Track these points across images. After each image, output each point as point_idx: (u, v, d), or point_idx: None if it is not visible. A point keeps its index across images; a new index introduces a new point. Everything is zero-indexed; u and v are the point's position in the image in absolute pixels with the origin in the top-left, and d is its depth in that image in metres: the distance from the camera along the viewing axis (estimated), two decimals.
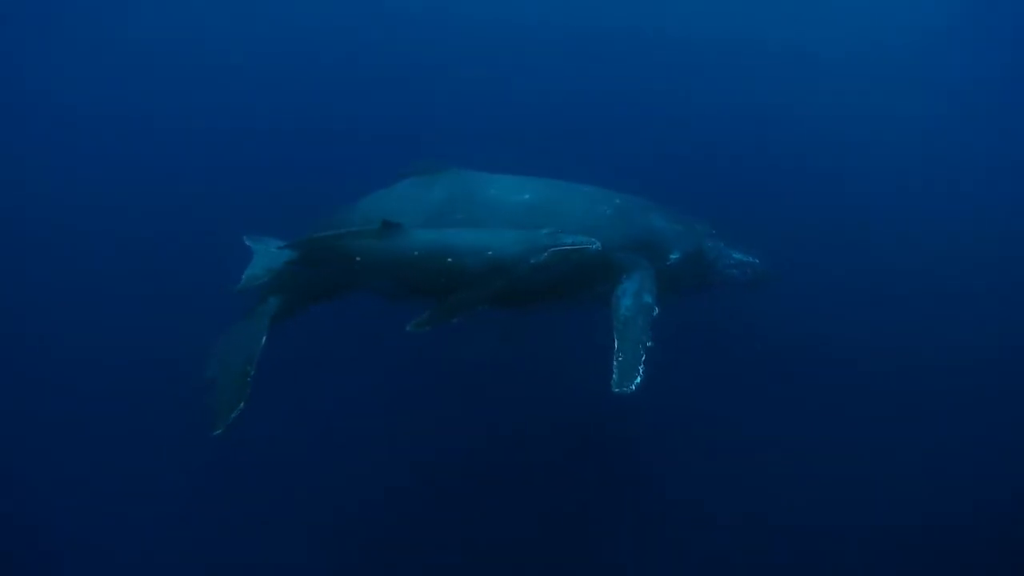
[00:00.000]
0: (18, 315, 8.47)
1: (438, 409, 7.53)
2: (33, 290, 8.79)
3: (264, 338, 5.99)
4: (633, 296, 5.96)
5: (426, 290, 5.93)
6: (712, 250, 6.75)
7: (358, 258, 5.93)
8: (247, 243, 6.31)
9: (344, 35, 12.74)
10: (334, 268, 6.18)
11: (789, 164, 10.55)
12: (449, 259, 5.74)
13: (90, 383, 7.62)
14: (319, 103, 11.63)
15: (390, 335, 7.27)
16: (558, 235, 5.82)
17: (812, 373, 7.96)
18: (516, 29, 12.33)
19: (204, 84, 11.89)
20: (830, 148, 10.92)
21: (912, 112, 11.34)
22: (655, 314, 5.81)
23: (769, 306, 8.01)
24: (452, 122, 10.54)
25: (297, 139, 10.73)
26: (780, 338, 8.19)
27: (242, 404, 5.44)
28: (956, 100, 11.80)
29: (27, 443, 7.21)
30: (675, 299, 6.58)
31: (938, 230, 9.90)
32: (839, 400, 7.74)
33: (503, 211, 6.36)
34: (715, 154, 10.40)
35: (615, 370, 5.45)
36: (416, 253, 5.80)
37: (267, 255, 6.14)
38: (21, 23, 12.64)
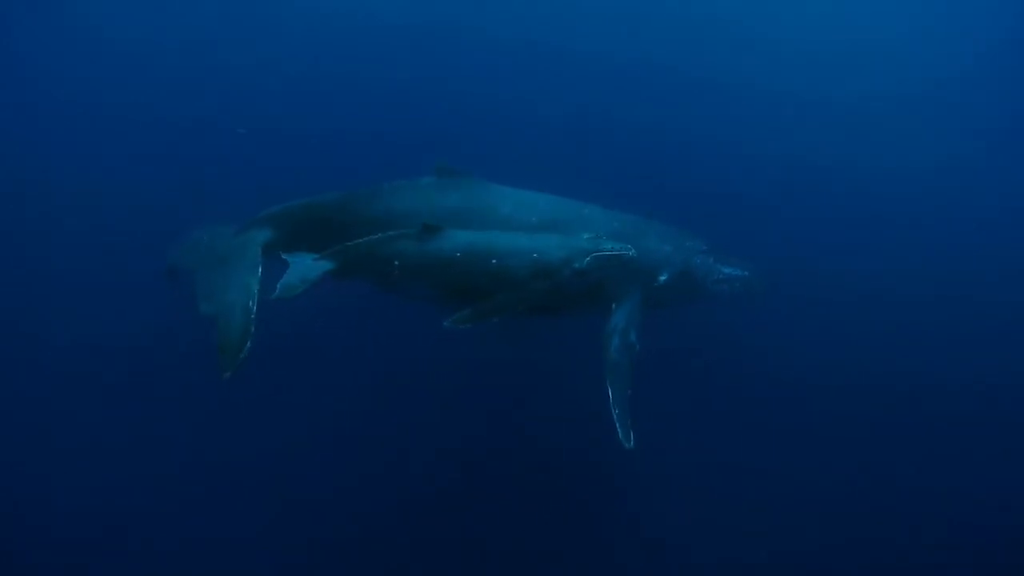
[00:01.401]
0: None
1: (431, 408, 7.56)
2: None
3: (260, 269, 5.82)
4: (620, 335, 6.21)
5: (466, 292, 5.87)
6: (701, 267, 6.98)
7: (396, 262, 5.87)
8: (284, 257, 6.02)
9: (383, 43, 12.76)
10: (372, 273, 6.06)
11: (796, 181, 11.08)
12: (493, 261, 5.76)
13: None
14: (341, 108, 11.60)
15: (386, 333, 7.59)
16: (598, 240, 5.91)
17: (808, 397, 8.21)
18: (550, 54, 12.70)
19: (231, 86, 11.69)
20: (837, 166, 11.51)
21: (926, 149, 11.99)
22: (637, 350, 6.13)
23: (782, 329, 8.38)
24: (474, 130, 10.65)
25: (316, 142, 10.63)
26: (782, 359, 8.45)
27: (249, 344, 5.27)
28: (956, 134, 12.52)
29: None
30: (664, 312, 6.89)
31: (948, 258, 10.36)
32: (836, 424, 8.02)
33: (512, 229, 6.43)
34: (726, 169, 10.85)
35: (617, 424, 5.71)
36: (459, 255, 5.79)
37: (302, 265, 5.90)
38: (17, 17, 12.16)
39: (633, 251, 5.93)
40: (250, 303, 5.53)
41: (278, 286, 5.73)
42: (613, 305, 6.38)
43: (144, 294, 8.09)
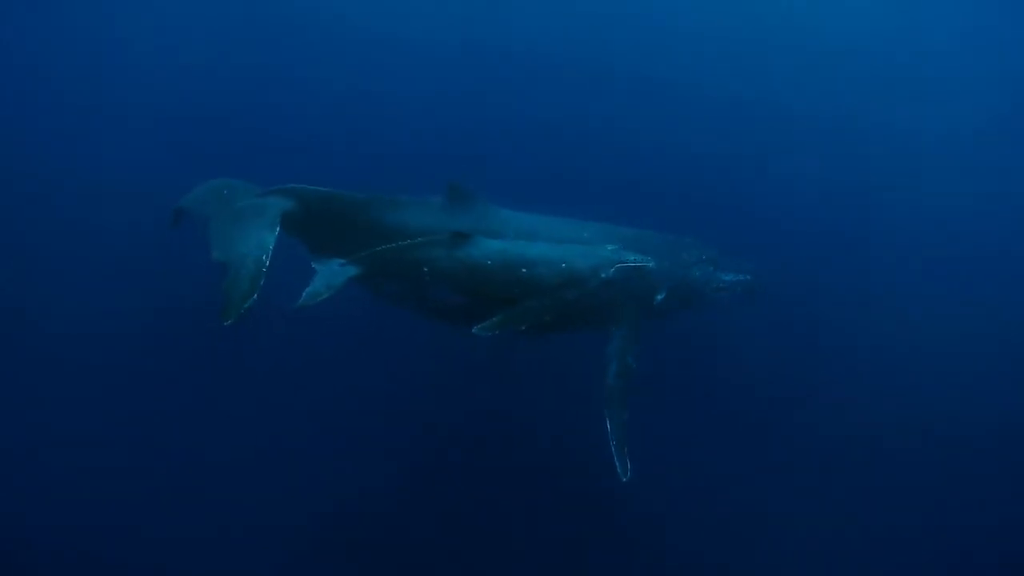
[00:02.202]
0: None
1: (426, 411, 7.62)
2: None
3: (278, 229, 5.87)
4: (618, 360, 6.26)
5: (494, 300, 5.89)
6: (699, 279, 7.02)
7: (426, 268, 5.91)
8: (313, 266, 5.95)
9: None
10: (400, 280, 6.10)
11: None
12: (523, 270, 5.86)
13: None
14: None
15: (387, 342, 7.66)
16: (621, 252, 6.09)
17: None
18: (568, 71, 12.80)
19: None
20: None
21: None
22: (635, 369, 6.21)
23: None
24: (481, 138, 10.68)
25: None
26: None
27: (255, 295, 5.31)
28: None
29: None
30: (662, 322, 6.99)
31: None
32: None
33: None
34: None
35: (614, 456, 5.77)
36: (489, 263, 5.87)
37: (328, 271, 5.85)
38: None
39: (652, 263, 6.13)
40: (264, 257, 5.57)
41: (304, 294, 5.64)
42: (612, 329, 6.43)
43: (144, 286, 8.17)
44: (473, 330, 5.62)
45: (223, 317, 5.16)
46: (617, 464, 5.73)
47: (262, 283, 5.40)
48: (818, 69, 13.11)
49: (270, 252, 5.64)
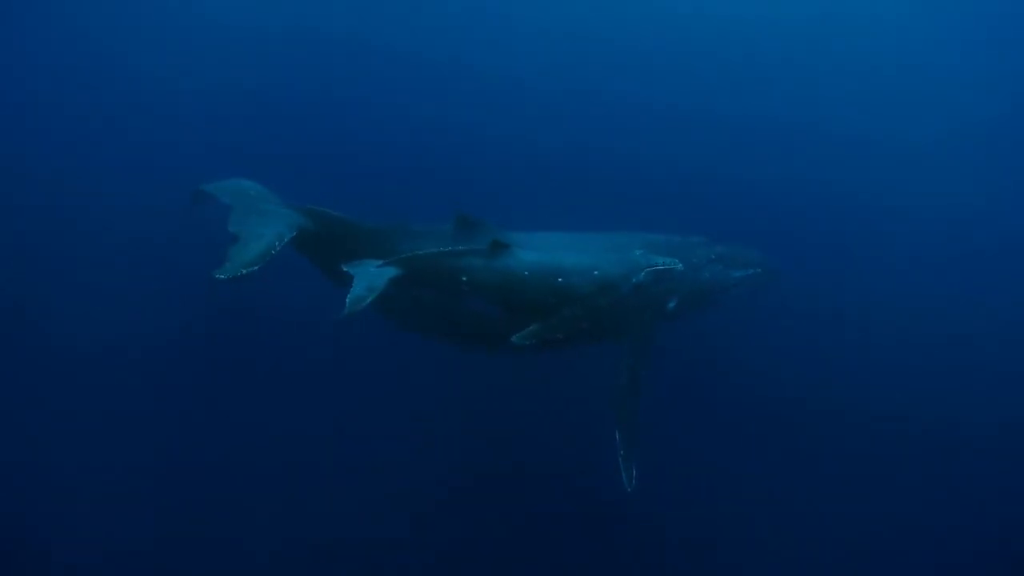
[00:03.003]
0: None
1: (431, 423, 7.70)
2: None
3: (295, 232, 6.05)
4: (628, 371, 6.33)
5: (530, 310, 5.99)
6: (710, 280, 7.06)
7: (464, 277, 6.00)
8: (345, 269, 5.91)
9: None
10: (438, 287, 6.16)
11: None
12: (559, 279, 6.01)
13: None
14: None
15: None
16: (649, 256, 6.30)
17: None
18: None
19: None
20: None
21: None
22: (644, 377, 6.30)
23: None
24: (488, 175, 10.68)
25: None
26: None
27: (256, 267, 5.44)
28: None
29: None
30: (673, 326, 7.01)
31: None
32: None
33: None
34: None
35: (621, 466, 5.85)
36: (527, 273, 5.99)
37: (367, 274, 5.82)
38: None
39: (680, 265, 6.34)
40: (277, 243, 5.72)
41: (347, 301, 5.51)
42: (624, 340, 6.44)
43: (159, 292, 8.10)
44: (512, 339, 5.71)
45: (219, 271, 5.26)
46: (623, 473, 5.81)
47: (267, 261, 5.51)
48: (817, 72, 13.45)
49: (284, 242, 5.77)
